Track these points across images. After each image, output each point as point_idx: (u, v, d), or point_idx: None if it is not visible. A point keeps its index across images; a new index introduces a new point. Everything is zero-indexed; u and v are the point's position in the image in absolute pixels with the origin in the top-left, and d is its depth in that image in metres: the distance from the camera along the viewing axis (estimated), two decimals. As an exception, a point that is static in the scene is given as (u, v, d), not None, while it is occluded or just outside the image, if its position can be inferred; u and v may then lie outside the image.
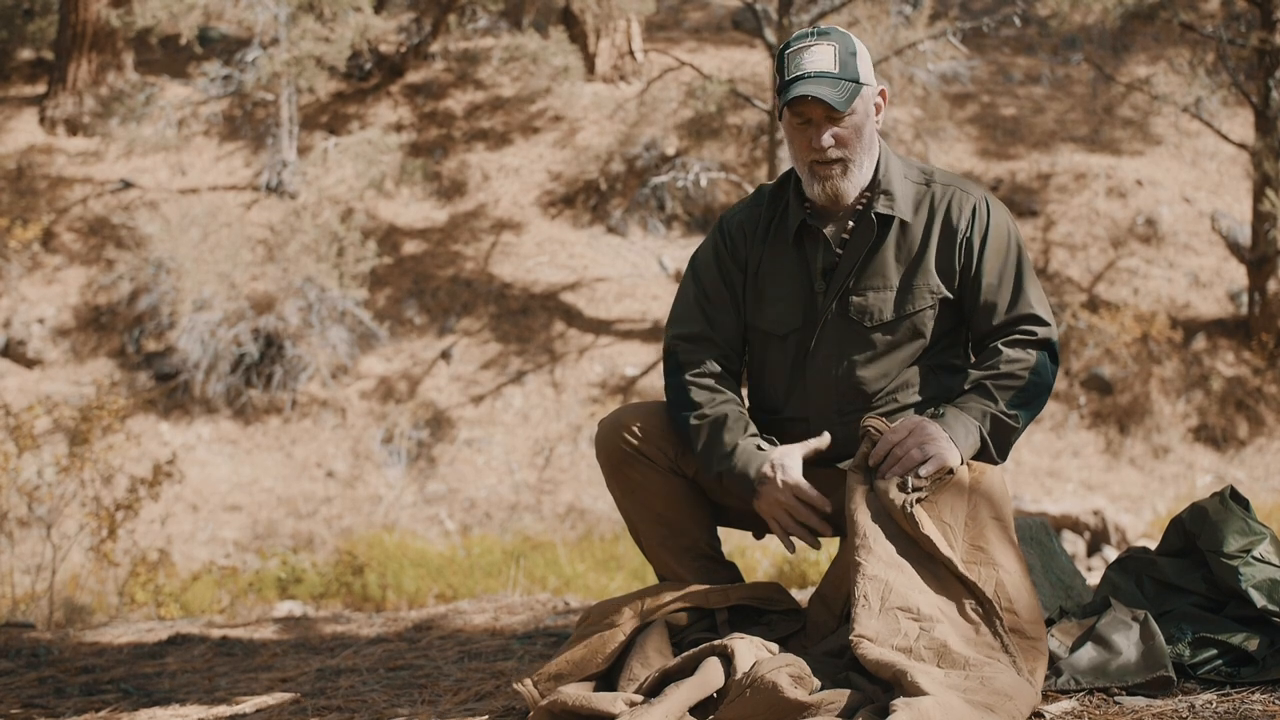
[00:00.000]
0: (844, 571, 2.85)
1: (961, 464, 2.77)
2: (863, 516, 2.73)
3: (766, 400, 3.09)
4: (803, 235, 3.03)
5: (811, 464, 2.94)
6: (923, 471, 2.72)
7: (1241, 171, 14.42)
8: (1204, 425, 12.37)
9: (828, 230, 3.00)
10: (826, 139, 2.89)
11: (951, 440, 2.77)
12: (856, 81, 2.90)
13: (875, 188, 2.98)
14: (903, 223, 2.97)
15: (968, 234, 2.95)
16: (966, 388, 2.89)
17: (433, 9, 16.12)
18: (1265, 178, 12.33)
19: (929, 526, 2.67)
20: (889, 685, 2.45)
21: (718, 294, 3.10)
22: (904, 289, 2.95)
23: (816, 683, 2.52)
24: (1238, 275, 13.41)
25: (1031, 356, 2.90)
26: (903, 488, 2.72)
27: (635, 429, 3.03)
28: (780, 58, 2.95)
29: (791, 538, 2.93)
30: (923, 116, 14.73)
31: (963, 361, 3.06)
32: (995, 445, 2.85)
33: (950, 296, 2.97)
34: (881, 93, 2.99)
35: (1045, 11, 13.81)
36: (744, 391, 3.15)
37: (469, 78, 16.25)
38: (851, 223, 2.99)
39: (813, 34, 2.94)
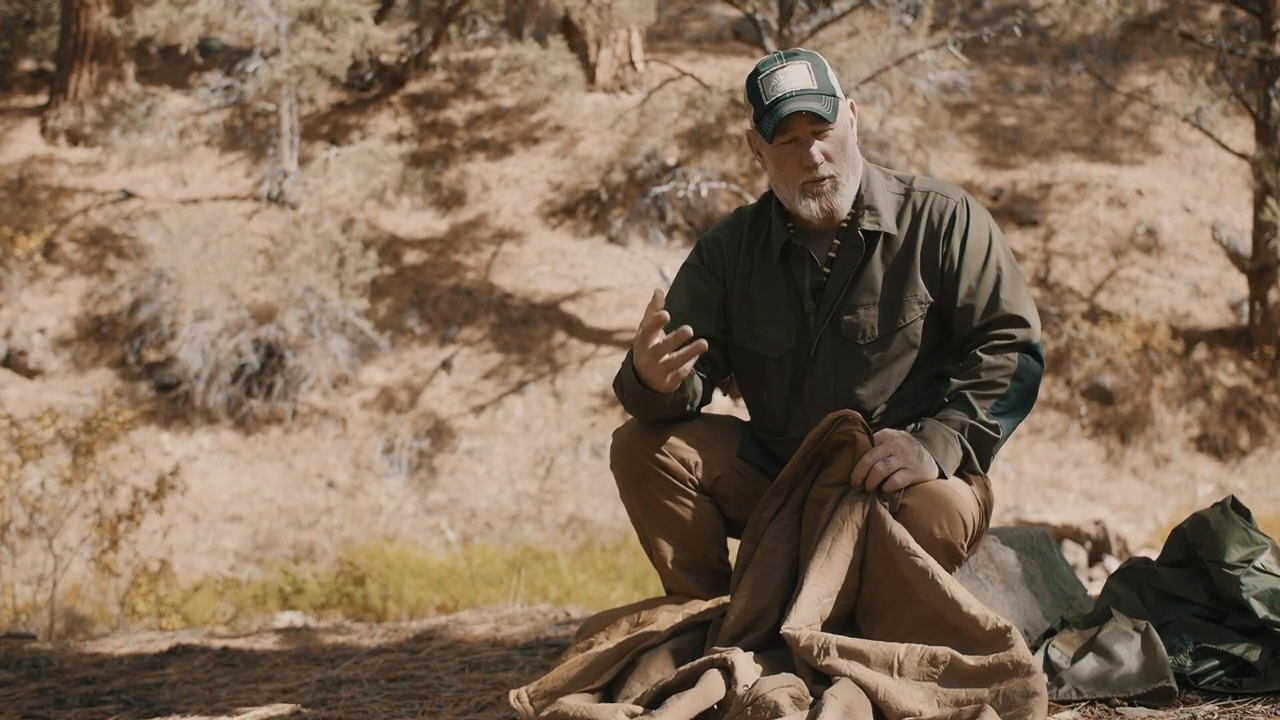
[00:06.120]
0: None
1: (941, 478, 2.76)
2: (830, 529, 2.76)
3: (768, 423, 3.08)
4: (788, 256, 3.01)
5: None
6: (897, 481, 2.73)
7: (1242, 181, 14.43)
8: (1205, 435, 12.37)
9: (813, 249, 2.99)
10: (816, 154, 2.88)
11: (930, 456, 2.77)
12: (834, 95, 2.90)
13: (859, 204, 2.97)
14: (887, 236, 2.96)
15: (948, 236, 2.95)
16: (946, 400, 2.88)
17: (433, 19, 16.15)
18: (1266, 187, 12.35)
19: (899, 532, 2.69)
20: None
21: (692, 301, 3.08)
22: (893, 302, 2.94)
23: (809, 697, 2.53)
24: (1239, 285, 13.42)
25: (1012, 362, 2.88)
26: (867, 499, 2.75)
27: (658, 442, 2.97)
28: (752, 85, 2.91)
29: (680, 368, 2.77)
30: (923, 126, 14.74)
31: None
32: (977, 456, 2.85)
33: (935, 302, 2.97)
34: (851, 105, 2.98)
35: (1046, 21, 13.85)
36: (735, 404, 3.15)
37: (469, 88, 16.28)
38: (837, 240, 2.98)
39: (780, 57, 2.92)
